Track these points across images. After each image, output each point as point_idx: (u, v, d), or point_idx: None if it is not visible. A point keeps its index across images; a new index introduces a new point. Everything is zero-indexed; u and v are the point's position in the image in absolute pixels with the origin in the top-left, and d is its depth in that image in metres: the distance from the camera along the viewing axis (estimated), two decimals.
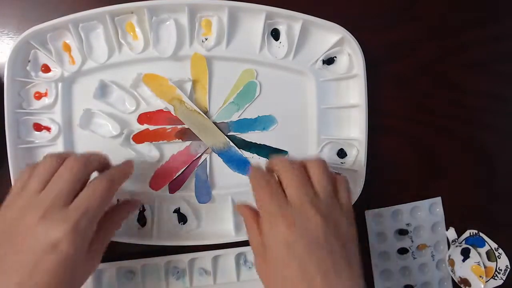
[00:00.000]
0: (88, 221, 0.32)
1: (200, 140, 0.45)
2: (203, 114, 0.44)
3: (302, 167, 0.35)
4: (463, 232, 0.50)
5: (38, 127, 0.43)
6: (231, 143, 0.46)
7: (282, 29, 0.44)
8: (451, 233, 0.50)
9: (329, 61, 0.46)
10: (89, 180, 0.35)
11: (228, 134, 0.46)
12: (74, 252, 0.31)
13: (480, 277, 0.49)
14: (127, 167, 0.38)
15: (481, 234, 0.50)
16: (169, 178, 0.45)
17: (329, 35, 0.45)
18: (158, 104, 0.44)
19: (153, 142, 0.44)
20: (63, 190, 0.32)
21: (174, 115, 0.44)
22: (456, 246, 0.50)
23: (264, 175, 0.35)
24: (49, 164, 0.34)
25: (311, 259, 0.30)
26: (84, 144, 0.44)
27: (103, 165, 0.37)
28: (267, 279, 0.33)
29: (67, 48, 0.43)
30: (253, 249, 0.35)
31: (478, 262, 0.49)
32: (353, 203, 0.45)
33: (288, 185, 0.34)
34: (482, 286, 0.49)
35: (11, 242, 0.31)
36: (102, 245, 0.36)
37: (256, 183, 0.35)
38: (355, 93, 0.46)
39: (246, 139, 0.46)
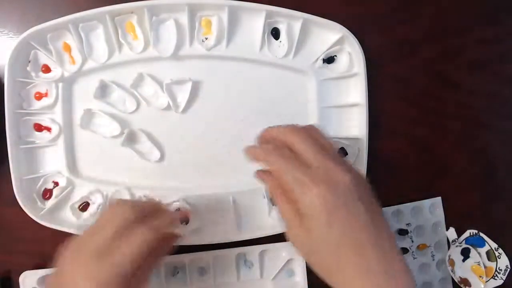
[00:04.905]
0: (122, 276, 0.31)
1: None
2: None
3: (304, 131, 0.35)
4: (463, 232, 0.50)
5: (39, 128, 0.43)
6: None
7: (282, 28, 0.44)
8: (451, 233, 0.50)
9: (329, 60, 0.46)
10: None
11: None
12: None
13: (480, 277, 0.49)
14: (174, 218, 0.38)
15: (481, 234, 0.50)
16: None
17: (329, 34, 0.45)
18: (158, 104, 0.44)
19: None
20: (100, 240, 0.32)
21: None
22: (456, 246, 0.50)
23: (275, 148, 0.35)
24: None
25: (352, 217, 0.31)
26: (85, 144, 0.44)
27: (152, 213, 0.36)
28: (306, 245, 0.33)
29: (67, 48, 0.43)
30: (284, 218, 0.34)
31: (478, 262, 0.49)
32: None
33: (303, 150, 0.33)
34: (482, 286, 0.49)
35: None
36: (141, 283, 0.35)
37: (271, 157, 0.34)
38: (355, 92, 0.46)
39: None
